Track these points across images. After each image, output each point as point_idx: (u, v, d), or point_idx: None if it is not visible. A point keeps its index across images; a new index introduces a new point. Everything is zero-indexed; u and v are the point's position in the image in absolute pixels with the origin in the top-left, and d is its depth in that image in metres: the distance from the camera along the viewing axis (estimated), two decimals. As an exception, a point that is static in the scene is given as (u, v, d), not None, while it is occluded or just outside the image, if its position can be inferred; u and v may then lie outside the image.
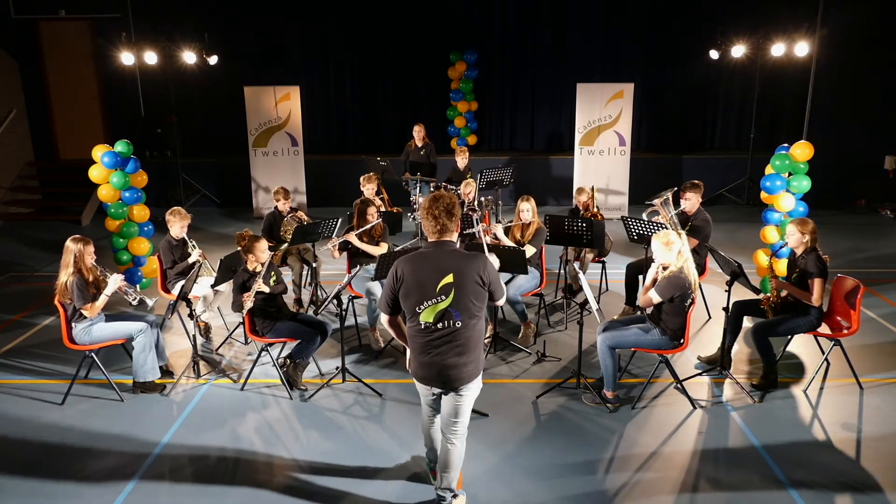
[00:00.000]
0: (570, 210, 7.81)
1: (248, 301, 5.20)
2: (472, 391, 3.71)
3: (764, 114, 12.00)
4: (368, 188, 7.60)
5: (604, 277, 7.34)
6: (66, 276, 5.03)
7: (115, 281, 5.14)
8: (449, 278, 3.47)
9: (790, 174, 6.99)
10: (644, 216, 6.36)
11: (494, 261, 4.08)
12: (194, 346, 5.61)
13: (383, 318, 3.76)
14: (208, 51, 10.90)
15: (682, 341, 4.94)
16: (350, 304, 6.46)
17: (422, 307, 3.51)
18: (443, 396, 3.74)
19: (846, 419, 4.90)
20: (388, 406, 5.13)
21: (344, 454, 4.50)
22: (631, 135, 10.95)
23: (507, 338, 6.15)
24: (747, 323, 5.93)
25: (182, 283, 5.77)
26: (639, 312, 5.57)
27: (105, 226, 7.50)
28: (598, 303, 5.52)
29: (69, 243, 5.10)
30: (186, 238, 6.29)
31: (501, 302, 3.82)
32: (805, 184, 6.89)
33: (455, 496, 3.91)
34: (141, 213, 7.54)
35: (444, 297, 3.48)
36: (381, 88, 12.98)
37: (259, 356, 5.50)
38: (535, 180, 11.67)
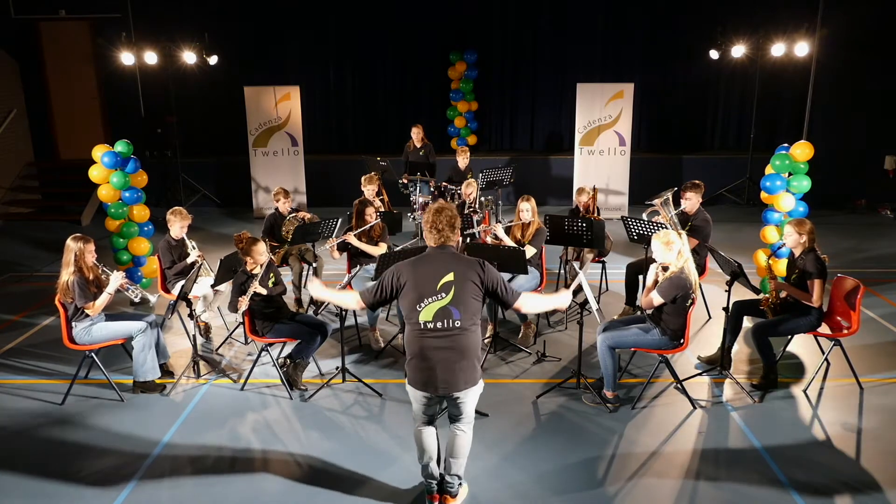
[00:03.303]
0: (570, 210, 7.81)
1: (243, 304, 5.20)
2: (471, 396, 3.70)
3: (764, 114, 11.98)
4: (369, 189, 7.59)
5: (604, 277, 7.34)
6: (66, 274, 5.03)
7: (116, 278, 5.14)
8: (450, 276, 3.52)
9: (790, 174, 6.99)
10: (644, 216, 6.36)
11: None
12: (194, 346, 5.61)
13: (356, 299, 3.76)
14: (208, 51, 10.89)
15: (682, 341, 4.94)
16: (350, 304, 6.45)
17: (422, 304, 3.52)
18: (445, 401, 3.72)
19: (846, 419, 4.90)
20: (388, 406, 5.13)
21: (344, 454, 4.50)
22: (631, 135, 10.94)
23: (507, 338, 6.15)
24: (747, 323, 5.93)
25: (182, 283, 5.77)
26: (639, 312, 5.57)
27: (105, 226, 7.50)
28: (598, 303, 5.52)
29: (70, 242, 5.09)
30: (185, 238, 6.29)
31: (518, 306, 3.73)
32: (805, 184, 6.90)
33: (461, 483, 3.94)
34: (141, 213, 7.53)
35: (444, 295, 3.51)
36: (381, 88, 12.97)
37: (259, 356, 5.50)
38: (535, 180, 11.65)
